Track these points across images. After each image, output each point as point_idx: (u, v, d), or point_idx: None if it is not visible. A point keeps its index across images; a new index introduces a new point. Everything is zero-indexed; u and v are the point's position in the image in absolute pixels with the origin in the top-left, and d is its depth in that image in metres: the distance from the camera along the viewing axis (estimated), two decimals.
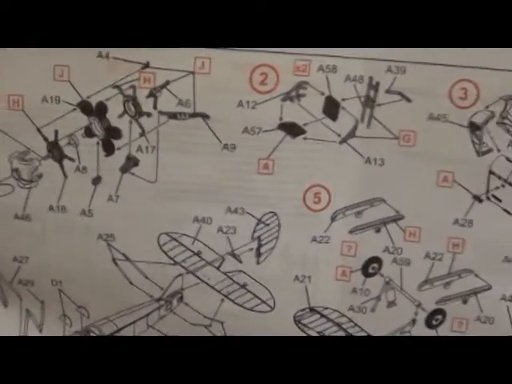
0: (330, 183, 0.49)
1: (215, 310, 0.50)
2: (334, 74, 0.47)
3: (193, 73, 0.47)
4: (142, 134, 0.48)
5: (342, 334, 0.51)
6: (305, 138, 0.48)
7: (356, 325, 0.51)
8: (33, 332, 0.52)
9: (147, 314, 0.51)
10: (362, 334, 0.51)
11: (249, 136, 0.48)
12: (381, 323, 0.50)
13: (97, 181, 0.49)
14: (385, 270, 0.50)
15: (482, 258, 0.49)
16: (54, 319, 0.52)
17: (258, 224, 0.49)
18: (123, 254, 0.50)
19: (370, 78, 0.47)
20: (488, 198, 0.48)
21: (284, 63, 0.47)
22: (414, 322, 0.50)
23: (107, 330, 0.51)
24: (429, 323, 0.50)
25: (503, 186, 0.48)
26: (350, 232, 0.49)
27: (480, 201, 0.48)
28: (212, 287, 0.50)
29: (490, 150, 0.48)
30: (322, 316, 0.50)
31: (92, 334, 0.51)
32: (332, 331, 0.51)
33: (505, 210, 0.48)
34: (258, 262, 0.50)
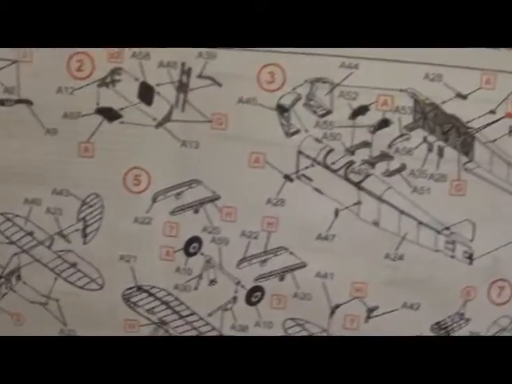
0: (149, 166, 0.51)
1: (50, 287, 0.53)
2: (147, 61, 0.49)
3: (17, 61, 0.50)
4: None
5: (169, 312, 0.52)
6: (121, 123, 0.50)
7: (182, 303, 0.52)
8: None
9: None
10: (188, 312, 0.52)
11: (69, 121, 0.50)
12: (204, 301, 0.52)
13: None
14: (205, 249, 0.51)
15: (295, 236, 0.51)
16: None
17: (82, 205, 0.51)
18: None
19: (183, 64, 0.49)
20: (298, 178, 0.50)
21: (98, 50, 0.49)
22: (234, 299, 0.52)
23: None
24: (249, 300, 0.52)
25: (312, 165, 0.50)
26: (171, 213, 0.51)
27: (291, 180, 0.50)
28: (45, 266, 0.53)
29: (297, 131, 0.49)
30: (150, 294, 0.52)
31: None
32: (161, 309, 0.52)
33: (316, 189, 0.50)
34: (84, 242, 0.52)
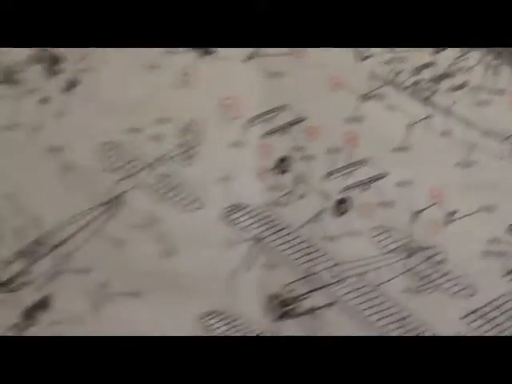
0: (244, 95, 0.58)
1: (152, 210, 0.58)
2: None
3: None
4: None
5: (263, 228, 0.57)
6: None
7: (276, 218, 0.57)
8: None
9: None
10: (280, 227, 0.57)
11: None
12: (296, 215, 0.57)
13: None
14: (292, 166, 0.57)
15: (375, 150, 0.57)
16: None
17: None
18: None
19: None
20: (373, 97, 0.57)
21: None
22: (323, 211, 0.56)
23: None
24: (337, 211, 0.56)
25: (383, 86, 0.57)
26: (264, 136, 0.58)
27: (367, 99, 0.57)
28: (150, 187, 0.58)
29: (370, 56, 0.57)
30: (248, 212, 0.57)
31: None
32: (254, 227, 0.57)
33: (388, 106, 0.57)
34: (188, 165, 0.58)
